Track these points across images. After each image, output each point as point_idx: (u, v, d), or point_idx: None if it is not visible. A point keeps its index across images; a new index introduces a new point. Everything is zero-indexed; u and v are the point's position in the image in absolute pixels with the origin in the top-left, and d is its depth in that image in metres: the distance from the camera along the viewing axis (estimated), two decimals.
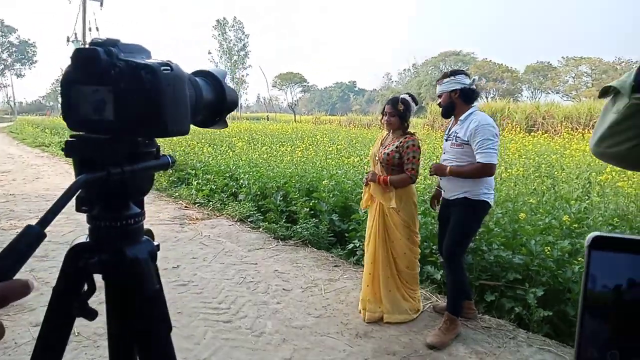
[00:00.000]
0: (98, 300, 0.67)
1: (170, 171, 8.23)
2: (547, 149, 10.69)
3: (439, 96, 3.04)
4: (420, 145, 3.10)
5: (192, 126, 0.75)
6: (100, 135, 0.59)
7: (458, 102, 2.94)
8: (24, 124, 28.54)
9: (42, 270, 3.83)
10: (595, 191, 5.98)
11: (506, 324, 3.19)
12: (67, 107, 0.60)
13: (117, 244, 0.64)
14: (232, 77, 58.17)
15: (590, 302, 0.46)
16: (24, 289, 0.45)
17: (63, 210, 0.50)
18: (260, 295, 3.56)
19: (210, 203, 6.46)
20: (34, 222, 0.48)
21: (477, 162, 2.77)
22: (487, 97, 52.56)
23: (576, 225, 4.26)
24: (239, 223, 5.66)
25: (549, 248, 3.65)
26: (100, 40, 0.57)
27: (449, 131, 3.07)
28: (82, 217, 0.65)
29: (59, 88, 0.61)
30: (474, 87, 2.96)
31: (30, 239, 0.46)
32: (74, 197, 0.57)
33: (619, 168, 6.78)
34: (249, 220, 5.67)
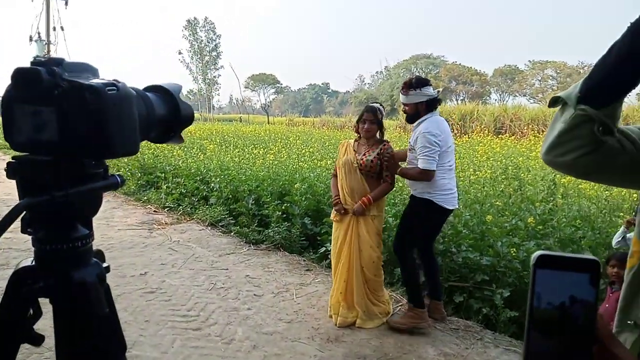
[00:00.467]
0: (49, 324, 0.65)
1: (139, 174, 8.06)
2: (514, 151, 10.99)
3: (405, 105, 3.18)
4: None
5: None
6: (44, 157, 0.57)
7: (423, 111, 3.13)
8: None
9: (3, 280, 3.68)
10: (560, 193, 6.18)
11: (474, 325, 3.26)
12: (10, 127, 0.58)
13: (63, 268, 0.62)
14: (204, 78, 57.44)
15: (536, 320, 0.47)
16: None
17: None
18: (231, 302, 3.52)
19: (180, 207, 6.34)
20: None
21: (417, 167, 3.04)
22: (457, 100, 53.67)
23: (541, 227, 4.38)
24: (209, 227, 5.59)
25: (514, 249, 3.74)
26: (43, 60, 0.55)
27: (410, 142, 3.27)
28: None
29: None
30: (438, 96, 3.18)
31: None
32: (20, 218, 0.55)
33: None
34: (220, 224, 5.60)
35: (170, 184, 7.23)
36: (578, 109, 0.82)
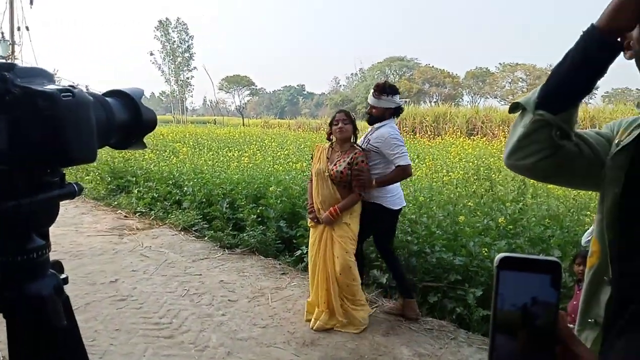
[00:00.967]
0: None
1: (109, 179, 7.86)
2: (485, 152, 11.22)
3: (374, 107, 3.30)
4: (367, 160, 3.19)
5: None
6: None
7: (388, 116, 3.30)
8: None
9: None
10: (530, 193, 6.34)
11: (448, 325, 3.30)
12: None
13: (17, 280, 0.59)
14: (177, 80, 56.56)
15: (500, 321, 0.47)
16: None
17: None
18: (205, 308, 3.47)
19: (152, 212, 6.20)
20: None
21: (396, 168, 3.16)
22: (430, 102, 54.51)
23: (511, 227, 4.49)
24: (182, 232, 5.49)
25: (486, 249, 3.82)
26: None
27: (365, 137, 3.39)
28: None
29: None
30: (403, 105, 3.42)
31: None
32: None
33: None
34: (193, 229, 5.51)
35: (141, 188, 7.07)
36: (536, 114, 0.85)
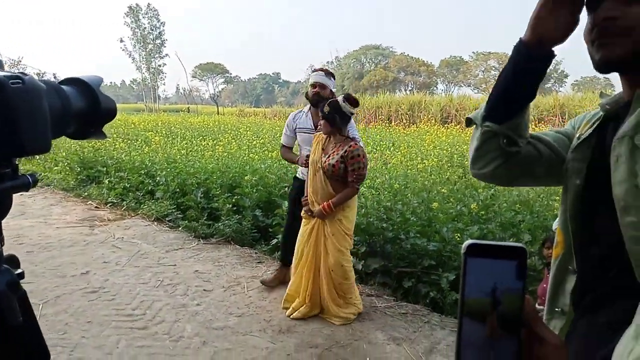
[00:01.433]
0: None
1: (79, 169, 7.64)
2: (459, 140, 11.39)
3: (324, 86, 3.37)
4: (364, 152, 2.99)
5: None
6: None
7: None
8: None
9: None
10: None
11: (421, 309, 3.36)
12: None
13: None
14: (148, 67, 55.13)
15: (468, 307, 0.48)
16: None
17: None
18: (179, 298, 3.43)
19: (124, 202, 6.07)
20: None
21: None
22: (405, 90, 54.87)
23: (483, 212, 4.58)
24: (156, 223, 5.39)
25: (459, 234, 3.89)
26: None
27: (316, 126, 3.37)
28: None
29: None
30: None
31: None
32: None
33: None
34: (167, 219, 5.42)
35: (112, 179, 6.89)
36: (484, 126, 0.90)
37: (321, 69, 3.51)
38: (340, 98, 2.99)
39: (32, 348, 0.65)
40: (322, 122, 2.98)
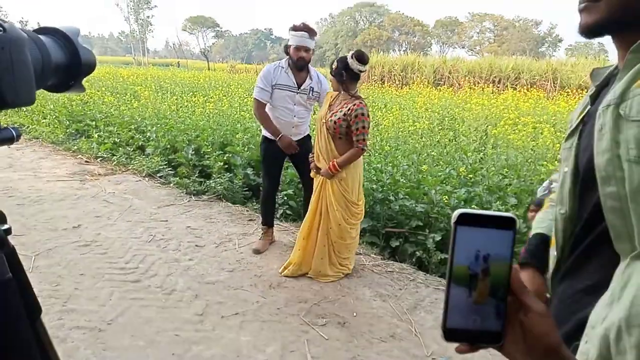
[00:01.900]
0: None
1: (67, 122, 7.52)
2: (451, 102, 11.35)
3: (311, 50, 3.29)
4: (368, 112, 2.91)
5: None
6: None
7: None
8: None
9: None
10: (491, 143, 6.53)
11: (408, 268, 3.47)
12: None
13: None
14: (136, 18, 53.18)
15: (456, 274, 0.50)
16: None
17: None
18: (171, 253, 3.49)
19: (115, 157, 6.02)
20: None
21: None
22: (399, 50, 53.88)
23: (471, 176, 4.65)
24: (147, 178, 5.39)
25: (446, 197, 3.96)
26: None
27: (300, 85, 3.30)
28: None
29: None
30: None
31: None
32: None
33: (512, 122, 7.30)
34: (158, 175, 5.41)
35: (102, 133, 6.81)
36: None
37: (304, 28, 3.20)
38: (349, 55, 2.89)
39: (20, 302, 0.65)
40: (330, 76, 2.97)
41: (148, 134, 6.38)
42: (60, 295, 2.79)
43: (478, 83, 18.92)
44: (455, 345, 0.52)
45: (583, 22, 0.72)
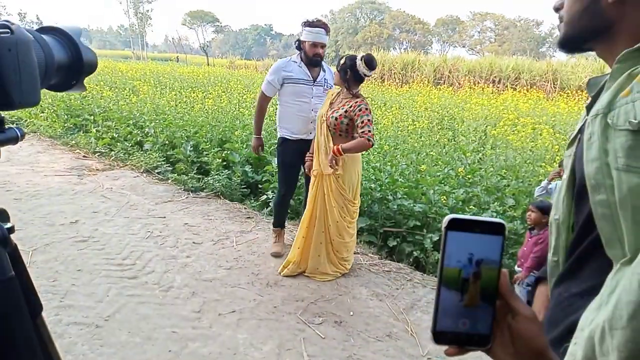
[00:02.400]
0: None
1: (65, 116, 7.50)
2: (450, 102, 11.35)
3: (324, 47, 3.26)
4: (370, 109, 2.90)
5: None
6: None
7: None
8: None
9: None
10: (490, 144, 6.54)
11: (405, 267, 3.48)
12: None
13: None
14: (136, 12, 52.99)
15: (446, 277, 0.51)
16: None
17: None
18: (169, 250, 3.49)
19: (112, 153, 6.00)
20: None
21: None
22: (400, 49, 53.82)
23: (470, 176, 4.66)
24: (145, 174, 5.38)
25: (445, 197, 3.97)
26: None
27: (315, 79, 3.28)
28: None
29: None
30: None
31: None
32: None
33: (511, 122, 7.33)
34: (156, 171, 5.40)
35: (100, 128, 6.80)
36: None
37: (322, 24, 3.19)
38: (359, 56, 2.88)
39: (22, 300, 0.65)
40: (336, 72, 2.97)
41: (146, 129, 6.37)
42: (57, 291, 2.79)
43: (478, 83, 18.93)
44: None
45: (557, 40, 0.81)
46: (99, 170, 5.45)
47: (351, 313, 2.79)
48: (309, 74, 3.27)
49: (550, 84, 18.80)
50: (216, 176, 4.92)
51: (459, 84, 19.86)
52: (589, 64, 19.04)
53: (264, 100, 3.39)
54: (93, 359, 2.24)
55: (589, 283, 0.72)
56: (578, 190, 0.75)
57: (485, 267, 0.50)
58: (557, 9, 0.81)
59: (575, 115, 9.46)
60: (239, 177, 4.92)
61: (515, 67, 19.69)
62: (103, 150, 6.12)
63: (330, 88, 3.28)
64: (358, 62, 2.85)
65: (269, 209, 4.43)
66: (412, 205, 3.95)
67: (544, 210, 2.76)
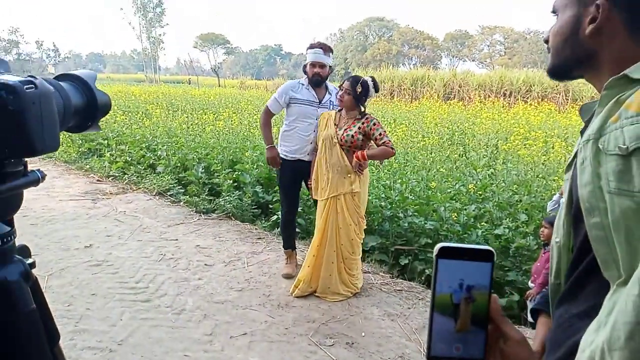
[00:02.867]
0: None
1: (80, 141, 7.67)
2: (461, 117, 11.34)
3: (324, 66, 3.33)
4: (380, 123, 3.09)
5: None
6: None
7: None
8: None
9: None
10: (501, 158, 6.49)
11: (417, 286, 3.45)
12: None
13: None
14: (148, 36, 54.33)
15: (439, 303, 0.53)
16: None
17: None
18: (181, 272, 3.52)
19: (126, 176, 6.12)
20: None
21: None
22: (409, 65, 54.11)
23: (481, 192, 4.63)
24: (157, 197, 5.46)
25: (456, 214, 3.95)
26: None
27: (321, 100, 3.36)
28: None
29: None
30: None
31: None
32: None
33: (522, 136, 7.28)
34: (168, 194, 5.48)
35: (114, 152, 6.94)
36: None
37: (319, 45, 3.33)
38: (369, 80, 3.07)
39: (41, 331, 0.69)
40: (346, 96, 3.03)
41: (159, 152, 6.48)
42: (72, 316, 2.83)
43: (489, 96, 18.89)
44: None
45: (546, 70, 0.84)
46: (113, 194, 5.55)
47: (363, 334, 2.77)
48: (315, 95, 3.36)
49: (562, 96, 18.66)
50: (227, 197, 4.96)
51: (469, 98, 19.82)
52: None
53: (268, 115, 3.50)
54: None
55: (588, 304, 0.73)
56: (575, 214, 0.77)
57: (476, 293, 0.52)
58: (546, 41, 0.84)
59: None
60: (249, 197, 4.96)
61: (526, 80, 19.61)
62: (117, 174, 6.23)
63: (335, 109, 3.33)
64: (370, 85, 3.05)
65: (279, 229, 4.44)
66: (423, 222, 3.93)
67: None
